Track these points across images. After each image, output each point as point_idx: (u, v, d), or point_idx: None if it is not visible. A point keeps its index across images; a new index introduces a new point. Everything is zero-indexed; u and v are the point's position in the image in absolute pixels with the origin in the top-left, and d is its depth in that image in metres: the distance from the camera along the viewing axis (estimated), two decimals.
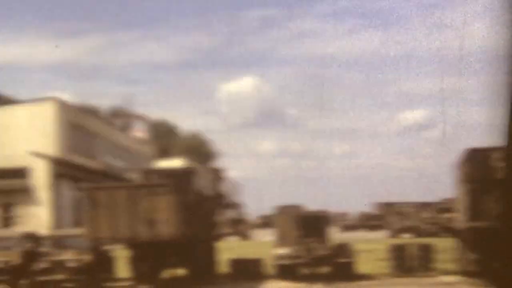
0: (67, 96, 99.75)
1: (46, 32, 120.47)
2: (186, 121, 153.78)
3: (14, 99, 65.11)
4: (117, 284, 23.49)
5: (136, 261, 23.09)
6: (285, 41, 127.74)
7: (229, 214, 53.71)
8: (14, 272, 22.73)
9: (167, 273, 24.01)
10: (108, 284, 23.35)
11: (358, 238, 37.33)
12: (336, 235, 31.76)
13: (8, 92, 75.97)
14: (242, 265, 24.91)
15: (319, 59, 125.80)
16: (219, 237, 31.49)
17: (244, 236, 52.00)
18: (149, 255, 22.81)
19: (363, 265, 24.58)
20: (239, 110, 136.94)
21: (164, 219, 21.38)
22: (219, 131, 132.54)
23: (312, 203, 26.04)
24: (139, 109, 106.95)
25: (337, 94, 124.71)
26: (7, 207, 44.23)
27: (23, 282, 22.97)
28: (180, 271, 24.00)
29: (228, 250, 29.22)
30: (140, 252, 22.94)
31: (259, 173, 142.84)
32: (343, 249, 23.83)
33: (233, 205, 56.95)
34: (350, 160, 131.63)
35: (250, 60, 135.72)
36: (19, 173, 44.08)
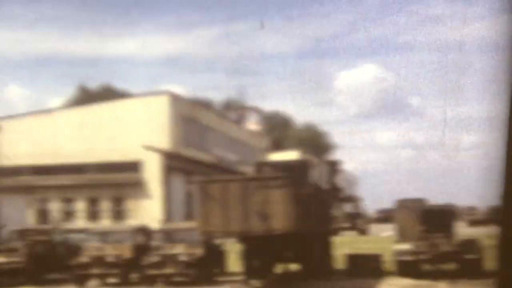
0: (181, 89, 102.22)
1: (160, 25, 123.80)
2: (302, 112, 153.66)
3: (128, 93, 67.30)
4: (229, 278, 23.56)
5: (249, 256, 23.01)
6: (409, 26, 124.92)
7: (346, 208, 53.11)
8: (125, 266, 23.23)
9: (280, 268, 23.83)
10: (220, 278, 23.45)
11: (488, 234, 35.77)
12: (463, 230, 30.55)
13: (122, 86, 78.75)
14: (359, 261, 24.38)
15: (445, 45, 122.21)
16: (335, 231, 31.03)
17: (361, 231, 51.23)
18: (262, 249, 22.69)
19: (493, 263, 23.40)
20: (358, 100, 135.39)
21: (278, 212, 21.15)
22: (336, 122, 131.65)
23: (437, 197, 25.04)
24: (253, 101, 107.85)
25: (465, 81, 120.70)
26: (119, 200, 45.64)
27: (134, 275, 23.44)
28: (294, 266, 23.76)
29: (345, 245, 28.74)
30: (253, 246, 22.85)
31: (379, 165, 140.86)
32: (470, 245, 22.83)
33: (350, 199, 56.22)
34: (480, 151, 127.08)
35: (371, 47, 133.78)
36: (132, 166, 45.34)
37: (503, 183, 3.93)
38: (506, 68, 3.96)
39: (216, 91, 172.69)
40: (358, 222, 52.69)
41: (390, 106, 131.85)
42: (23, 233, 26.07)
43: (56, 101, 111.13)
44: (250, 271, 22.88)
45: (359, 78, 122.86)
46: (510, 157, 3.94)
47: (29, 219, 41.12)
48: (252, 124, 74.48)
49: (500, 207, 3.98)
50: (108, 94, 70.78)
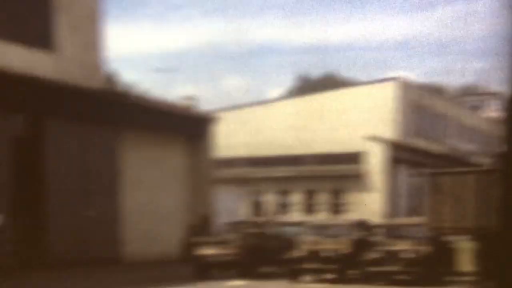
0: (412, 75, 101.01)
1: (388, 6, 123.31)
2: None
3: (352, 81, 67.75)
4: (459, 278, 22.74)
5: (483, 255, 22.15)
6: None
7: None
8: (343, 261, 23.24)
9: None
10: (449, 278, 22.73)
11: None
12: None
13: (347, 73, 79.30)
14: None
15: None
16: None
17: None
18: (499, 248, 21.69)
19: None
20: None
21: None
22: None
23: None
24: (495, 86, 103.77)
25: None
26: (338, 193, 46.09)
27: (352, 271, 23.38)
28: None
29: None
30: (489, 245, 21.98)
31: None
32: None
33: None
34: None
35: None
36: (353, 158, 45.57)
37: (503, 184, 3.67)
38: None
39: (451, 76, 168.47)
40: None
41: None
42: (236, 225, 27.00)
43: (275, 91, 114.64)
44: (485, 273, 22.02)
45: None
46: (510, 158, 3.66)
47: (243, 211, 42.72)
48: (493, 111, 72.14)
49: (499, 209, 3.71)
50: (330, 82, 71.69)
